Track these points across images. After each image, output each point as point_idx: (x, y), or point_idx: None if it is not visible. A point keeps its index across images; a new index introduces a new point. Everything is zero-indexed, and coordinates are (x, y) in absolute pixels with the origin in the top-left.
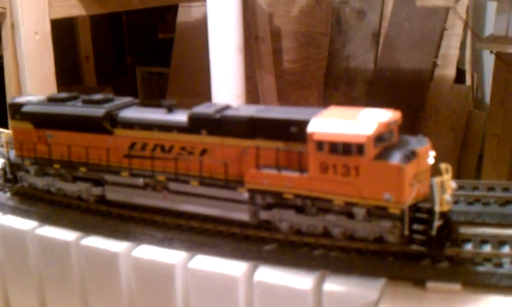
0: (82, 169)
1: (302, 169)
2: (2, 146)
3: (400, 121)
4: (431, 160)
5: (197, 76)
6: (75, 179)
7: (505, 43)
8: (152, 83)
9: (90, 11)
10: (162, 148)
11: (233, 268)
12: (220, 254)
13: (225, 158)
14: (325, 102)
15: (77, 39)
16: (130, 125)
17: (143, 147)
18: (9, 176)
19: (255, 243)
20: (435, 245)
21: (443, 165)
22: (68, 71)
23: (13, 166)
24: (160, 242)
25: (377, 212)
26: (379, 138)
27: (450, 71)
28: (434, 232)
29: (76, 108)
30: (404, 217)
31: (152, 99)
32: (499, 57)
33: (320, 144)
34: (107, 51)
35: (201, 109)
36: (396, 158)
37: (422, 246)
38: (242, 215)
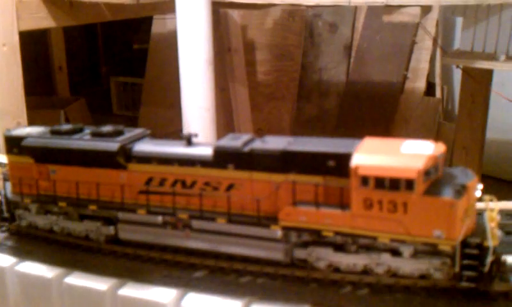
0: (92, 207)
1: (343, 205)
2: None
3: (445, 154)
4: (478, 193)
5: (171, 87)
6: (82, 217)
7: (470, 58)
8: (127, 93)
9: (60, 23)
10: (184, 184)
11: (162, 295)
12: (151, 281)
13: (254, 194)
14: (298, 113)
15: (50, 49)
16: (147, 159)
17: (161, 182)
18: (6, 214)
19: (185, 270)
20: (484, 281)
21: (487, 198)
22: (40, 82)
23: (9, 204)
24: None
25: (424, 249)
26: (427, 172)
27: (420, 84)
28: (487, 268)
29: (85, 142)
30: (455, 254)
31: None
32: (466, 71)
33: (365, 179)
34: (81, 61)
35: (227, 142)
36: (448, 193)
37: (471, 282)
38: (275, 254)
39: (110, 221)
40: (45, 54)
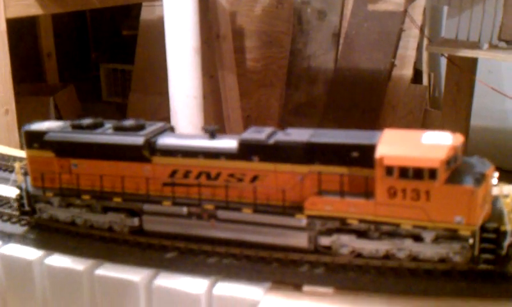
0: (117, 200)
1: (366, 194)
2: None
3: (464, 144)
4: (494, 181)
5: (160, 74)
6: (106, 210)
7: (454, 46)
8: (116, 80)
9: (48, 10)
10: (208, 176)
11: (135, 274)
12: (126, 262)
13: (279, 185)
14: (286, 100)
15: (38, 36)
16: (171, 152)
17: (186, 175)
18: (27, 208)
19: (158, 251)
20: (501, 263)
21: (502, 185)
22: (29, 69)
23: (30, 198)
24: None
25: (445, 234)
26: (448, 162)
27: (408, 72)
28: (505, 251)
29: (109, 136)
30: (475, 238)
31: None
32: (450, 60)
33: (389, 169)
34: (71, 48)
35: (251, 135)
36: (468, 182)
37: (489, 264)
38: (300, 241)
39: (134, 213)
40: (34, 41)
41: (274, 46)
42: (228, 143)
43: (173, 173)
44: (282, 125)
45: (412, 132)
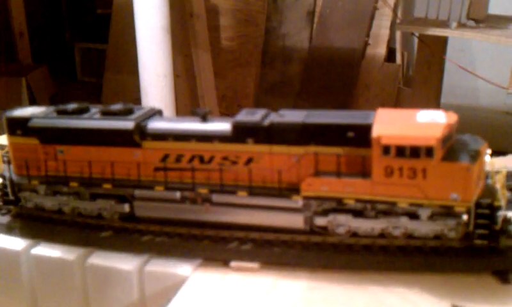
0: (106, 186)
1: (363, 173)
2: None
3: (457, 123)
4: (487, 158)
5: (134, 53)
6: (94, 197)
7: (424, 25)
8: (91, 59)
9: None
10: (201, 159)
11: (69, 253)
12: (62, 241)
13: (274, 166)
14: (261, 80)
15: (9, 15)
16: (162, 136)
17: (178, 159)
18: (11, 197)
19: (94, 230)
20: (494, 238)
21: (494, 162)
22: (1, 49)
23: (14, 186)
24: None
25: (440, 211)
26: (444, 140)
27: (381, 50)
28: (499, 226)
29: (98, 121)
30: (470, 215)
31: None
32: (421, 39)
33: (386, 149)
34: (44, 27)
35: (245, 117)
36: (464, 159)
37: (483, 239)
38: (296, 222)
39: (124, 199)
40: (5, 20)
41: (249, 24)
42: (222, 126)
43: (165, 158)
44: (257, 104)
45: (405, 111)
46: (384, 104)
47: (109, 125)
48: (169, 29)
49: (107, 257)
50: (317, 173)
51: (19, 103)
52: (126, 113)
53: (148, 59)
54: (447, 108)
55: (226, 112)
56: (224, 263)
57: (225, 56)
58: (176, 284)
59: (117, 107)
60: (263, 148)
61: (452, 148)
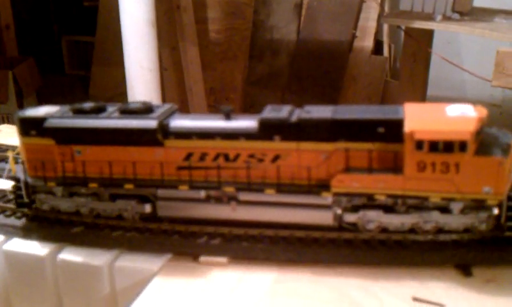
0: (128, 186)
1: (395, 168)
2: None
3: (487, 116)
4: None
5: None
6: (114, 197)
7: (409, 17)
8: (79, 52)
9: None
10: (226, 157)
11: (40, 249)
12: (32, 238)
13: (302, 163)
14: (249, 72)
15: None
16: (186, 134)
17: (202, 157)
18: (26, 199)
19: (65, 226)
20: None
21: None
22: None
23: (28, 188)
24: None
25: (472, 204)
26: (477, 134)
27: (368, 43)
28: None
29: (119, 120)
30: (502, 207)
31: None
32: (406, 32)
33: (419, 144)
34: (31, 20)
35: (271, 114)
36: (496, 153)
37: None
38: (325, 219)
39: (146, 199)
40: None
41: (236, 17)
42: (247, 123)
43: (188, 156)
44: (245, 97)
45: (434, 105)
46: (372, 96)
47: (130, 124)
48: (155, 23)
49: (77, 253)
50: (348, 169)
51: (5, 97)
52: (146, 111)
53: (134, 52)
54: (433, 100)
55: (214, 105)
56: (194, 258)
57: (213, 49)
58: (145, 279)
59: (136, 105)
60: (290, 145)
61: (483, 142)
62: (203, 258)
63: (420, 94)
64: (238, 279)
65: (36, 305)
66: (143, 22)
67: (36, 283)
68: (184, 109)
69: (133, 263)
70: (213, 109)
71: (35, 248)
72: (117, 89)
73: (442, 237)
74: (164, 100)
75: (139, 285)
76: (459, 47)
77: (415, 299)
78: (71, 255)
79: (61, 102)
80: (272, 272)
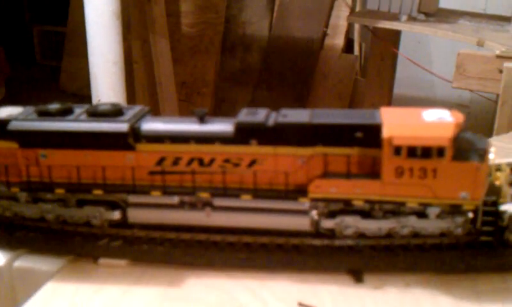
0: (97, 192)
1: (372, 174)
2: None
3: (464, 121)
4: (491, 156)
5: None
6: (81, 203)
7: (375, 17)
8: (51, 42)
9: None
10: (201, 162)
11: None
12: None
13: (279, 168)
14: (221, 67)
15: None
16: (158, 138)
17: (175, 162)
18: None
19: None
20: (499, 233)
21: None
22: None
23: None
24: None
25: (448, 209)
26: (454, 139)
27: (339, 41)
28: (506, 222)
29: (88, 123)
30: (477, 212)
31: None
32: (373, 31)
33: (397, 149)
34: (2, 8)
35: (247, 118)
36: (473, 158)
37: (489, 236)
38: (302, 225)
39: (115, 205)
40: None
41: (209, 11)
42: (223, 127)
43: (161, 161)
44: (217, 91)
45: (410, 110)
46: (342, 94)
47: (100, 128)
48: (120, 15)
49: None
50: (326, 174)
51: None
52: (116, 114)
53: (98, 45)
54: (401, 99)
55: (185, 99)
56: (94, 259)
57: (185, 43)
58: (43, 281)
59: (104, 107)
60: (267, 150)
61: (459, 147)
62: (102, 260)
63: (387, 93)
64: (133, 281)
65: None
66: (107, 13)
67: None
68: (155, 103)
69: (32, 264)
70: (184, 103)
71: None
72: (88, 81)
73: (338, 243)
74: (134, 93)
75: (37, 287)
76: (428, 47)
77: (300, 304)
78: None
79: (30, 91)
80: (168, 276)
